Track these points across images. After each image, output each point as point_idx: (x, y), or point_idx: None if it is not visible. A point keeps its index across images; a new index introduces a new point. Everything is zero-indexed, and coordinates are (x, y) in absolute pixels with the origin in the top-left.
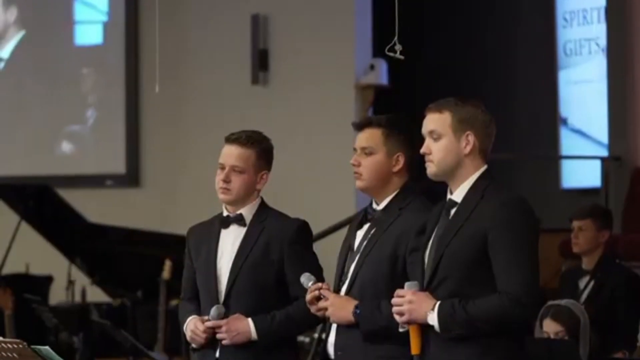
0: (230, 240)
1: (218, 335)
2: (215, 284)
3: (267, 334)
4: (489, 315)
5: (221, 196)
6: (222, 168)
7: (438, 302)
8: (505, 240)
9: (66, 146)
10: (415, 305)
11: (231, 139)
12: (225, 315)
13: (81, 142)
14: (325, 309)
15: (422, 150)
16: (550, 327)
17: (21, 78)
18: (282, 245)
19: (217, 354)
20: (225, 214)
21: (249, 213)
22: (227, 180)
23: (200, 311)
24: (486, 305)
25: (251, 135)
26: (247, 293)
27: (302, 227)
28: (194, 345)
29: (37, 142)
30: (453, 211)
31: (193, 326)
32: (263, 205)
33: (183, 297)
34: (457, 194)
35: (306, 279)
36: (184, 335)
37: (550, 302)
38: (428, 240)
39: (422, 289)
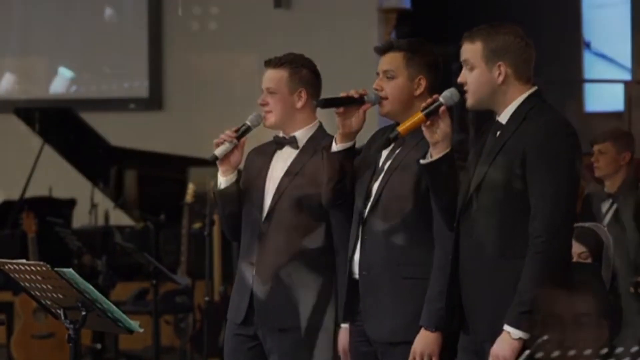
0: (282, 160)
1: None
2: (261, 200)
3: None
4: (537, 280)
5: (265, 122)
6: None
7: (504, 323)
8: (541, 162)
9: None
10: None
11: (266, 63)
12: (264, 235)
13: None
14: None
15: (458, 80)
16: (573, 249)
17: None
18: None
19: (254, 272)
20: (280, 135)
21: (303, 136)
22: (264, 104)
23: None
24: (528, 275)
25: (285, 56)
26: (290, 211)
27: None
28: (216, 153)
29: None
30: (498, 133)
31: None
32: (320, 131)
33: None
34: (503, 117)
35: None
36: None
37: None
38: (476, 161)
39: (464, 202)
